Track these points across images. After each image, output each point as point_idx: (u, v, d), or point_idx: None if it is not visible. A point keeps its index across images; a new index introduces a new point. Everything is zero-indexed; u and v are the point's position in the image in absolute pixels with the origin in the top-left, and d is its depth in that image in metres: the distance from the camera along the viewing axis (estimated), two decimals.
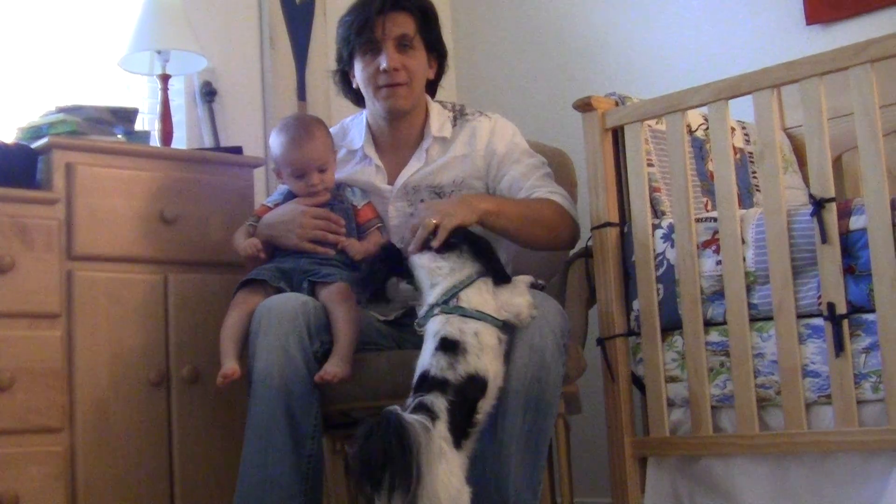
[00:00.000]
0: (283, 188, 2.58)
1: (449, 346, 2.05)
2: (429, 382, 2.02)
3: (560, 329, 2.22)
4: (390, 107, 2.53)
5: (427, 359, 2.06)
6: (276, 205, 2.53)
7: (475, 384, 2.03)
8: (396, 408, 1.93)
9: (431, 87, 2.66)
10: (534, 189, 2.51)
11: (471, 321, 2.08)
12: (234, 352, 2.33)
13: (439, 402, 1.99)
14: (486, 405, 2.06)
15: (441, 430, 1.96)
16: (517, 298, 2.14)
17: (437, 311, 2.11)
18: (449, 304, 2.10)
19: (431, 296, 2.14)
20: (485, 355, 2.06)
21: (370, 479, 1.87)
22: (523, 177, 2.53)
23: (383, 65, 2.48)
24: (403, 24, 2.50)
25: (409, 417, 1.92)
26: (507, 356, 2.14)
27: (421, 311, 2.16)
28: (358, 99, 2.65)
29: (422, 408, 1.98)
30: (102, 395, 2.49)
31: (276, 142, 2.52)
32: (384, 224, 2.56)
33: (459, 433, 1.99)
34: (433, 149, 2.57)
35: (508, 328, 2.16)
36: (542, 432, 2.18)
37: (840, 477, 2.19)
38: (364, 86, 2.56)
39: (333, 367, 2.25)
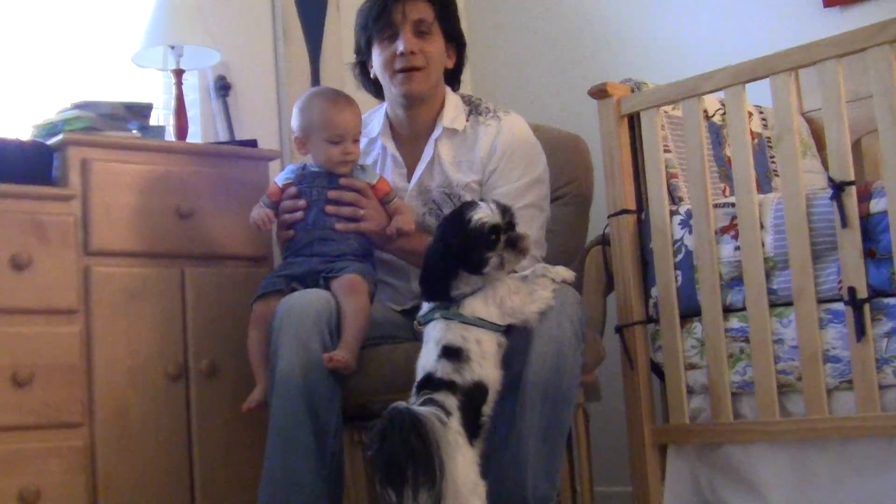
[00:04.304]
0: (292, 167, 2.53)
1: (452, 354, 2.04)
2: (435, 383, 2.02)
3: (578, 319, 2.21)
4: (406, 91, 2.51)
5: (431, 363, 2.05)
6: (288, 184, 2.47)
7: (480, 390, 2.03)
8: (404, 403, 1.92)
9: (452, 79, 2.64)
10: None
11: (472, 328, 2.06)
12: (265, 373, 2.32)
13: (450, 401, 1.98)
14: (487, 409, 2.05)
15: (455, 424, 1.95)
16: (531, 307, 2.12)
17: (437, 314, 2.10)
18: (450, 308, 2.09)
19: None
20: (486, 363, 2.05)
21: (394, 478, 1.85)
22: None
23: (400, 48, 2.47)
24: (422, 9, 2.50)
25: (424, 410, 1.91)
26: (525, 346, 2.13)
27: (422, 310, 2.15)
28: (377, 90, 2.64)
29: (432, 403, 1.97)
30: (121, 389, 2.49)
31: (311, 105, 2.46)
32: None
33: (469, 432, 1.98)
34: (443, 141, 2.55)
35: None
36: (560, 423, 2.17)
37: (862, 463, 2.17)
38: (381, 72, 2.55)
39: (341, 354, 2.23)
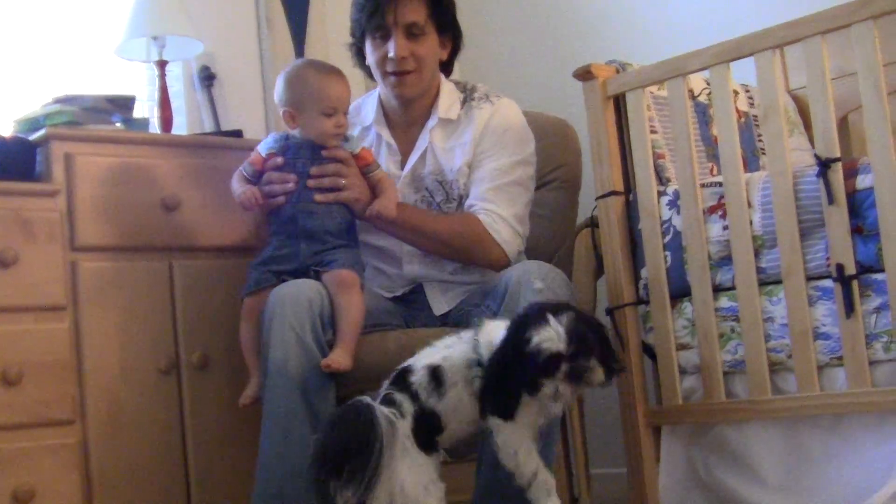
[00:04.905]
0: (275, 135, 2.48)
1: (435, 378, 1.98)
2: (404, 384, 1.98)
3: (567, 299, 2.20)
4: (398, 94, 2.52)
5: (421, 363, 2.00)
6: (271, 154, 2.42)
7: (436, 420, 1.97)
8: (368, 399, 1.91)
9: (446, 66, 2.63)
10: (478, 200, 2.46)
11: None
12: (259, 366, 2.32)
13: (407, 406, 1.95)
14: (444, 442, 1.99)
15: (405, 428, 1.92)
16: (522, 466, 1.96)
17: (478, 354, 1.97)
18: (481, 365, 1.96)
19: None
20: (455, 415, 1.97)
21: (328, 467, 1.84)
22: (480, 181, 2.48)
23: (391, 53, 2.46)
24: (414, 11, 2.46)
25: (381, 411, 1.88)
26: None
27: (487, 329, 2.01)
28: (370, 74, 2.62)
29: (392, 403, 1.95)
30: (113, 384, 2.48)
31: (303, 77, 2.41)
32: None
33: (424, 443, 1.94)
34: (437, 130, 2.54)
35: (508, 305, 2.18)
36: None
37: (854, 438, 2.18)
38: (374, 68, 2.54)
39: (340, 357, 2.24)
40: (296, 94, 2.41)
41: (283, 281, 2.35)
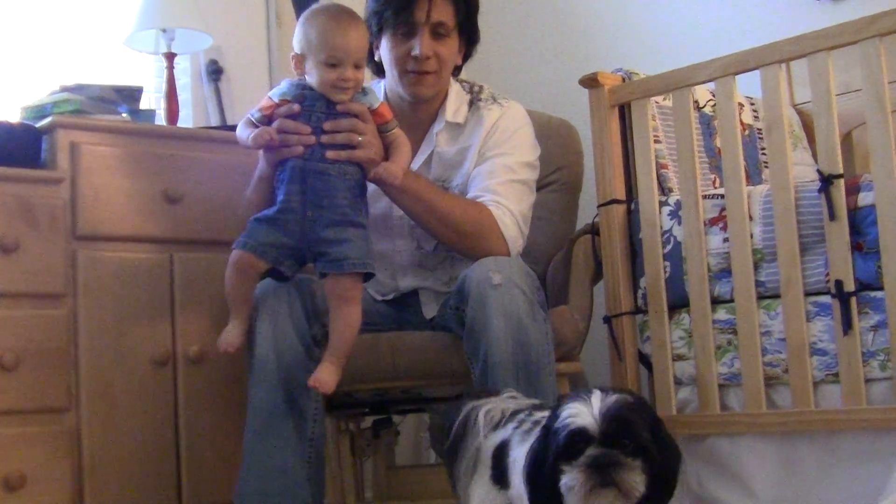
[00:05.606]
0: (290, 81, 2.29)
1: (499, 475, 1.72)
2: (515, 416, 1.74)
3: (528, 287, 2.17)
4: (414, 93, 2.44)
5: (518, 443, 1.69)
6: (284, 100, 2.23)
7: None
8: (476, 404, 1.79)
9: (456, 69, 2.57)
10: (487, 192, 2.38)
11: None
12: (241, 314, 2.23)
13: (515, 436, 1.68)
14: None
15: (490, 444, 1.73)
16: None
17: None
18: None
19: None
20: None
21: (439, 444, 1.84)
22: (488, 174, 2.40)
23: (416, 51, 2.38)
24: (445, 11, 2.40)
25: (481, 418, 1.75)
26: (482, 328, 2.11)
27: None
28: (378, 69, 2.55)
29: (510, 418, 1.73)
30: (108, 374, 2.48)
31: (310, 23, 2.23)
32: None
33: (499, 476, 1.71)
34: (443, 134, 2.50)
35: (473, 306, 2.13)
36: (541, 394, 2.09)
37: (848, 455, 2.18)
38: (390, 66, 2.46)
39: (327, 376, 2.16)
40: (303, 38, 2.23)
41: (279, 272, 2.25)
